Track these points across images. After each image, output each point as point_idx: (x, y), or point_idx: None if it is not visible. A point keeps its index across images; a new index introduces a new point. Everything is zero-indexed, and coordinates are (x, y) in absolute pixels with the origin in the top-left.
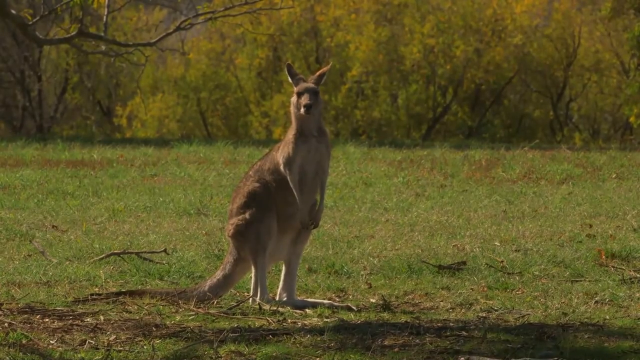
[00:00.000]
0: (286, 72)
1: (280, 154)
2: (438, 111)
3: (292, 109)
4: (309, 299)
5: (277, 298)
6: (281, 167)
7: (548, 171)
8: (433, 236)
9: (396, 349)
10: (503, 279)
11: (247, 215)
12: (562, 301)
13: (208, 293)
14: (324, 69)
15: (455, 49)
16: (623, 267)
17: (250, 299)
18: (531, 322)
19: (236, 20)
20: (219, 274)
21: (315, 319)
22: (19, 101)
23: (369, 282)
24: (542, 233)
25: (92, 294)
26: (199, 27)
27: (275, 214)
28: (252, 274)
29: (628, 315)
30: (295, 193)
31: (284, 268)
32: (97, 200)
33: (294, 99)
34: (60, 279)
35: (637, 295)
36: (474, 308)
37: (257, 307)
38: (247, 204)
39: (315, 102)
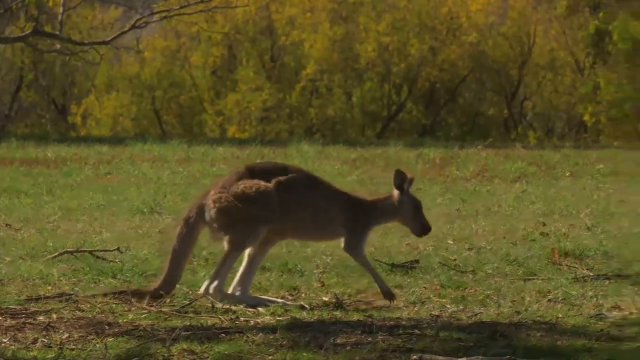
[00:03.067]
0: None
1: None
2: (392, 109)
3: None
4: (263, 297)
5: (230, 291)
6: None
7: (502, 169)
8: (386, 235)
9: (348, 348)
10: (456, 278)
11: (250, 207)
12: (515, 299)
13: None
14: None
15: (410, 47)
16: (576, 266)
17: (204, 286)
18: (484, 320)
19: (191, 19)
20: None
21: (268, 317)
22: None
23: (322, 280)
24: (495, 231)
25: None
26: (154, 25)
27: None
28: (221, 259)
29: (581, 314)
30: None
31: (244, 263)
32: (51, 198)
33: None
34: (13, 277)
35: (590, 293)
36: (426, 306)
37: (210, 305)
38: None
39: None
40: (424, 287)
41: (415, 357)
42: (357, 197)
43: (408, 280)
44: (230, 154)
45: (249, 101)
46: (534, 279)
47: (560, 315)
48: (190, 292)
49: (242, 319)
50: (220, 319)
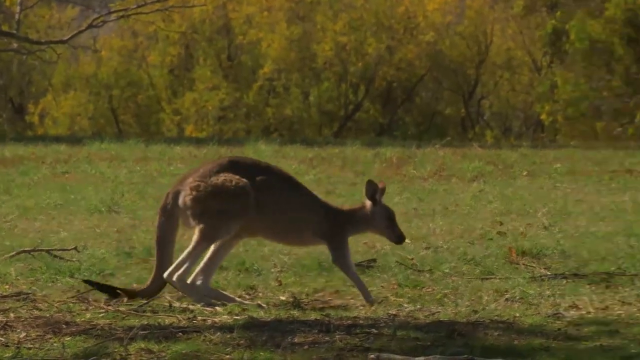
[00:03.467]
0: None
1: None
2: (350, 109)
3: None
4: (222, 292)
5: (190, 279)
6: None
7: (459, 169)
8: None
9: (306, 347)
10: (413, 277)
11: (227, 201)
12: (472, 299)
13: None
14: None
15: (368, 46)
16: (533, 265)
17: (169, 271)
18: (441, 319)
19: (148, 18)
20: None
21: (225, 316)
22: None
23: (279, 279)
24: (452, 231)
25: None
26: (111, 24)
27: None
28: (189, 248)
29: (538, 313)
30: None
31: (210, 253)
32: (8, 197)
33: None
34: None
35: (547, 292)
36: (384, 306)
37: (168, 304)
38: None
39: None
40: (382, 286)
41: (372, 356)
42: (335, 207)
43: (365, 279)
44: (188, 153)
45: (207, 100)
46: (491, 278)
47: (517, 315)
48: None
49: (199, 318)
50: (177, 318)
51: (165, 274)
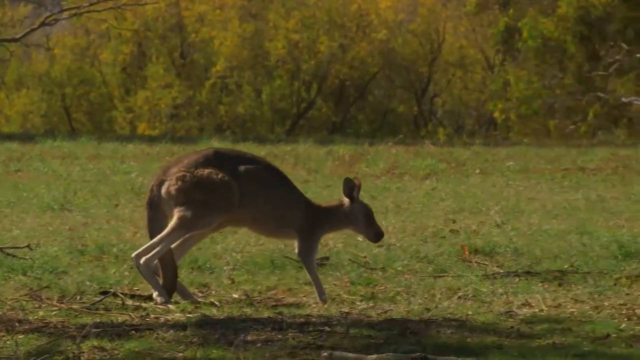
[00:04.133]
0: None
1: None
2: (302, 107)
3: None
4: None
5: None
6: None
7: (412, 166)
8: None
9: (259, 345)
10: (366, 275)
11: (212, 194)
12: (425, 297)
13: None
14: None
15: (320, 44)
16: (486, 263)
17: (138, 251)
18: (394, 317)
19: (101, 16)
20: None
21: (178, 314)
22: None
23: (232, 277)
24: (405, 228)
25: None
26: (64, 22)
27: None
28: (163, 233)
29: (491, 311)
30: None
31: (181, 240)
32: None
33: None
34: None
35: (500, 290)
36: (337, 303)
37: (121, 302)
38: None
39: None
40: (334, 284)
41: (325, 354)
42: (315, 204)
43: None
44: (140, 150)
45: (159, 98)
46: (444, 276)
47: (470, 313)
48: (100, 288)
49: (152, 316)
50: (131, 316)
51: (134, 254)
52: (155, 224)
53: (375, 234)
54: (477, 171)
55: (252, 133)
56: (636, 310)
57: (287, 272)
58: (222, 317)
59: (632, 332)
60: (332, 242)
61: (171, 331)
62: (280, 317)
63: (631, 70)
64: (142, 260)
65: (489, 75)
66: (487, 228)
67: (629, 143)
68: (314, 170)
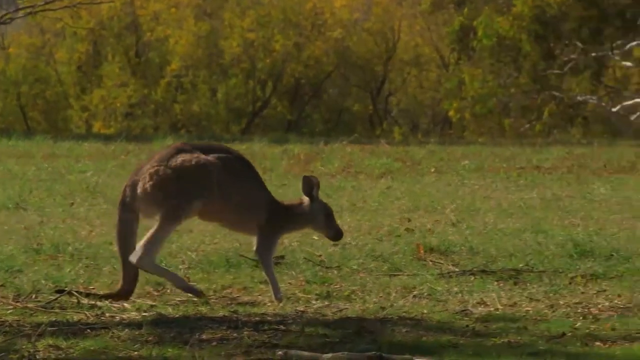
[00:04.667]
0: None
1: None
2: (257, 105)
3: None
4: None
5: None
6: None
7: (367, 165)
8: None
9: (214, 343)
10: (321, 273)
11: (188, 181)
12: (381, 295)
13: None
14: None
15: (275, 43)
16: (441, 262)
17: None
18: (349, 316)
19: (56, 15)
20: None
21: (134, 313)
22: None
23: (187, 276)
24: (360, 227)
25: None
26: (19, 21)
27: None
28: (151, 233)
29: (446, 310)
30: None
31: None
32: None
33: None
34: None
35: (455, 289)
36: (292, 302)
37: (76, 301)
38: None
39: None
40: (289, 283)
41: (280, 352)
42: (279, 202)
43: None
44: (96, 149)
45: (115, 97)
46: (399, 274)
47: (425, 311)
48: (56, 287)
49: (107, 314)
50: (86, 314)
51: (135, 260)
52: (125, 226)
53: (335, 233)
54: (433, 170)
55: (207, 132)
56: (591, 309)
57: (243, 271)
58: (177, 315)
59: (587, 330)
60: (288, 240)
61: (127, 330)
62: (235, 315)
63: (586, 69)
64: (146, 265)
65: (444, 74)
66: (443, 227)
67: (584, 142)
68: (269, 169)
